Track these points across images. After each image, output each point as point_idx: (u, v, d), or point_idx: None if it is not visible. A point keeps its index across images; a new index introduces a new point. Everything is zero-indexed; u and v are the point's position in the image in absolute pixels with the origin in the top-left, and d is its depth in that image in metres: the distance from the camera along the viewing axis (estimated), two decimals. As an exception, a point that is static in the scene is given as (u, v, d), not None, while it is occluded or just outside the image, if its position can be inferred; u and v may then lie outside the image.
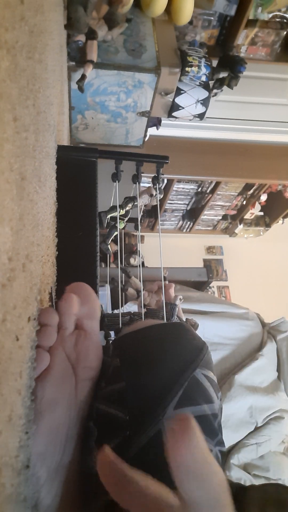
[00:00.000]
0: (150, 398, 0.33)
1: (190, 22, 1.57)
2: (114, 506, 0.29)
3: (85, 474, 0.32)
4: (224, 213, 2.82)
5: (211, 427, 0.34)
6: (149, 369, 0.35)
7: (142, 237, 2.70)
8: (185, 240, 3.01)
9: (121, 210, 0.77)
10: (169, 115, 1.64)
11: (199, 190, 2.47)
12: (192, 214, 2.79)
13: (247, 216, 2.80)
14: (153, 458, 0.30)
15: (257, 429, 1.29)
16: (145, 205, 2.49)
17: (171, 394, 0.33)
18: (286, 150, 2.36)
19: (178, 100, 1.56)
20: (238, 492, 0.35)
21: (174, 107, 1.59)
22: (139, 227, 0.73)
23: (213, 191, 2.44)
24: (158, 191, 0.78)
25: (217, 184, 2.35)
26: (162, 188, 2.37)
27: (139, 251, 1.75)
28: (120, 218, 0.76)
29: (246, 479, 1.19)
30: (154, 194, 0.86)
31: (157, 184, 0.76)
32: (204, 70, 1.51)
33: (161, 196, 2.46)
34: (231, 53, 1.57)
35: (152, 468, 0.30)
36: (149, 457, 0.30)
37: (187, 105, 1.58)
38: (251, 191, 2.56)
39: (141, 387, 0.34)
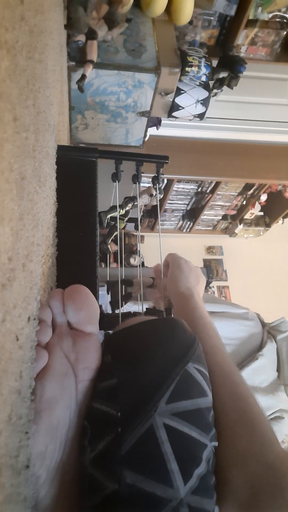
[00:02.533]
0: (142, 394, 0.33)
1: (190, 22, 1.57)
2: (109, 503, 0.29)
3: (80, 473, 0.32)
4: (224, 213, 2.82)
5: (205, 421, 0.34)
6: (140, 364, 0.35)
7: (142, 237, 2.70)
8: (185, 240, 3.01)
9: (121, 210, 0.77)
10: (169, 115, 1.64)
11: (199, 190, 2.47)
12: (192, 214, 2.79)
13: (247, 216, 2.80)
14: (146, 454, 0.30)
15: (257, 429, 1.29)
16: (145, 205, 2.48)
17: (163, 389, 0.33)
18: (286, 150, 2.36)
19: (178, 100, 1.56)
20: None
21: (174, 107, 1.59)
22: (139, 227, 0.73)
23: (213, 191, 2.44)
24: (158, 191, 0.78)
25: (217, 184, 2.35)
26: (162, 188, 2.37)
27: (139, 251, 1.75)
28: (120, 218, 0.76)
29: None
30: (154, 194, 0.86)
31: (157, 184, 0.76)
32: (204, 70, 1.51)
33: (161, 196, 2.46)
34: (231, 53, 1.57)
35: (145, 464, 0.30)
36: (142, 453, 0.30)
37: (187, 105, 1.58)
38: (251, 191, 2.56)
39: (133, 383, 0.34)
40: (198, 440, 0.32)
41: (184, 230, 2.94)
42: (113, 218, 0.77)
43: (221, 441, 0.36)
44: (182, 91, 1.53)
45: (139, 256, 1.31)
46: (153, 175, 0.75)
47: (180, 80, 1.50)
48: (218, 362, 0.44)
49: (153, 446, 0.30)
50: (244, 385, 0.43)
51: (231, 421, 0.38)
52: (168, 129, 2.13)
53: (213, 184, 2.38)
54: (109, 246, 0.76)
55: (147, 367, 0.35)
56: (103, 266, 1.03)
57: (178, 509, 0.28)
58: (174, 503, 0.28)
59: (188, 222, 2.83)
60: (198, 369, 0.36)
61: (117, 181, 0.71)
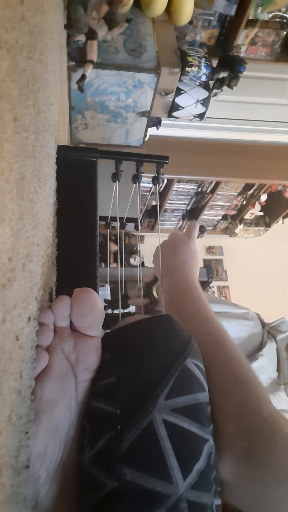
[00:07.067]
0: (141, 391, 0.33)
1: (190, 22, 1.57)
2: (108, 501, 0.29)
3: (80, 472, 0.32)
4: (224, 213, 2.82)
5: (205, 415, 0.34)
6: (139, 361, 0.35)
7: (142, 237, 2.70)
8: (185, 240, 3.00)
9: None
10: (169, 115, 1.64)
11: (199, 190, 2.47)
12: (192, 214, 2.79)
13: (247, 216, 2.80)
14: (145, 451, 0.30)
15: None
16: (144, 205, 2.47)
17: (162, 385, 0.33)
18: (286, 150, 2.36)
19: (178, 100, 1.56)
20: None
21: (174, 107, 1.59)
22: (139, 227, 0.73)
23: (213, 191, 2.44)
24: (158, 191, 0.78)
25: (217, 184, 2.35)
26: (161, 189, 2.36)
27: (139, 251, 1.75)
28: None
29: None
30: (154, 194, 0.85)
31: (157, 184, 0.76)
32: (204, 70, 1.51)
33: (157, 203, 2.45)
34: (231, 53, 1.57)
35: (145, 460, 0.30)
36: (142, 450, 0.30)
37: (187, 105, 1.58)
38: (251, 191, 2.57)
39: (132, 380, 0.34)
40: (198, 435, 0.32)
41: (184, 230, 2.94)
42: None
43: (217, 397, 0.37)
44: (182, 91, 1.53)
45: (139, 256, 1.31)
46: (153, 175, 0.75)
47: (180, 80, 1.50)
48: (209, 331, 0.45)
49: (153, 442, 0.30)
50: (236, 350, 0.43)
51: (226, 381, 0.39)
52: (168, 129, 2.13)
53: (213, 184, 2.38)
54: (154, 292, 0.74)
55: (145, 364, 0.35)
56: (103, 266, 1.03)
57: (178, 505, 0.28)
58: (174, 498, 0.28)
59: (188, 222, 2.83)
60: (196, 364, 0.36)
61: (117, 181, 0.71)
